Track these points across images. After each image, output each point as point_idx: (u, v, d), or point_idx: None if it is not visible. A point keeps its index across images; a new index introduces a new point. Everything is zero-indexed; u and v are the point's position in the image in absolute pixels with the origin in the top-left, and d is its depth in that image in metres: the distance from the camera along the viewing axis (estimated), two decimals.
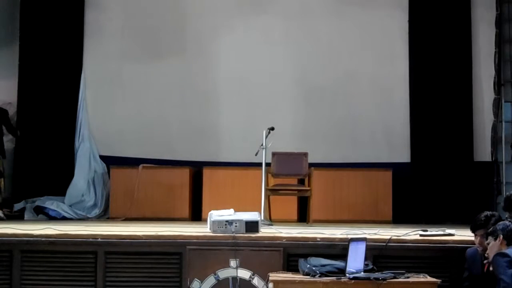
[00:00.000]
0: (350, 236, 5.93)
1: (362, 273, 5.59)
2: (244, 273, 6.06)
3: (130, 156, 10.21)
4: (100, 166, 10.26)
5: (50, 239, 6.22)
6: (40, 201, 9.71)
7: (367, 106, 10.21)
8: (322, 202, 9.44)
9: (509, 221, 5.38)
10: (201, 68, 10.37)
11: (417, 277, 5.62)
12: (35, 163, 10.01)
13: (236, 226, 6.17)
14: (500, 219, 5.58)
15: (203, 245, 6.14)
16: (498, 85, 9.89)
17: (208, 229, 6.31)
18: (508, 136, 9.86)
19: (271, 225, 7.74)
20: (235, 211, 6.44)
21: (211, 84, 10.37)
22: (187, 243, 6.15)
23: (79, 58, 10.37)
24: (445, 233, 6.31)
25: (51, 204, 9.64)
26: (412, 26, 10.19)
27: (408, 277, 5.58)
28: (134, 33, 10.42)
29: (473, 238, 5.77)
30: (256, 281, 6.05)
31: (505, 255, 5.10)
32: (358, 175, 9.81)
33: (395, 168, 9.83)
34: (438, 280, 5.61)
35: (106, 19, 10.45)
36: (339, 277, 5.50)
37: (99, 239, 6.21)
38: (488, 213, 5.64)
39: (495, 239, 5.25)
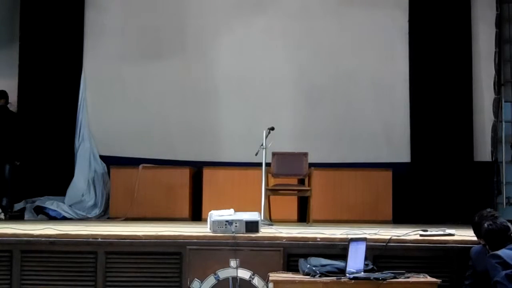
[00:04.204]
0: (350, 236, 5.92)
1: (362, 273, 5.59)
2: (244, 273, 6.06)
3: (130, 156, 10.21)
4: (100, 166, 10.26)
5: (50, 239, 6.22)
6: (40, 201, 9.71)
7: (367, 106, 10.21)
8: (322, 202, 9.44)
9: (492, 221, 5.38)
10: (201, 68, 10.37)
11: (417, 277, 5.62)
12: (35, 163, 10.00)
13: (236, 226, 6.17)
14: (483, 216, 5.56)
15: (203, 245, 6.14)
16: (498, 85, 9.89)
17: (208, 229, 6.31)
18: (508, 136, 9.87)
19: (271, 225, 7.74)
20: (235, 211, 6.44)
21: (211, 84, 10.37)
22: (187, 243, 6.15)
23: (79, 58, 10.37)
24: (445, 233, 6.31)
25: (51, 204, 9.65)
26: (412, 26, 10.19)
27: (408, 277, 5.58)
28: (134, 33, 10.42)
29: (473, 238, 5.78)
30: (256, 281, 6.05)
31: (496, 256, 5.10)
32: (358, 175, 9.81)
33: (395, 168, 9.83)
34: (438, 280, 5.62)
35: (106, 19, 10.45)
36: (339, 277, 5.50)
37: (99, 239, 6.20)
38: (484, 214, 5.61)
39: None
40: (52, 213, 9.57)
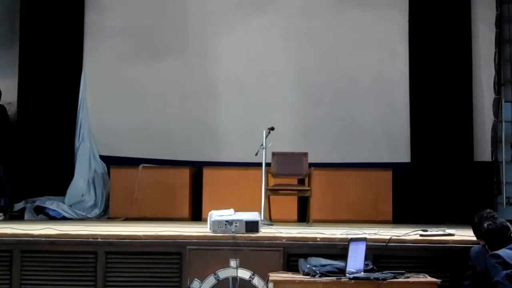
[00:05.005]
0: (350, 236, 5.93)
1: (362, 273, 5.60)
2: (244, 273, 6.06)
3: (130, 156, 10.21)
4: (100, 166, 10.25)
5: (50, 239, 6.23)
6: (40, 201, 9.71)
7: (367, 106, 10.21)
8: (322, 202, 9.44)
9: (492, 221, 5.38)
10: (201, 68, 10.36)
11: (417, 277, 5.63)
12: (35, 163, 10.00)
13: (236, 226, 6.17)
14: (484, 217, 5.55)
15: (203, 245, 6.15)
16: (498, 85, 9.89)
17: (208, 229, 6.32)
18: (508, 136, 9.86)
19: (271, 225, 7.74)
20: (235, 211, 6.45)
21: (211, 84, 10.36)
22: (187, 243, 6.15)
23: (79, 58, 10.36)
24: (445, 233, 6.31)
25: (51, 204, 9.64)
26: (412, 26, 10.19)
27: (408, 277, 5.59)
28: (134, 33, 10.41)
29: (473, 238, 5.78)
30: (256, 281, 6.05)
31: (497, 256, 5.11)
32: (358, 175, 9.81)
33: (395, 168, 9.83)
34: (438, 280, 5.62)
35: (106, 19, 10.45)
36: (339, 277, 5.51)
37: (99, 239, 6.21)
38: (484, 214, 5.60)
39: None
40: (52, 213, 9.56)
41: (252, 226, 6.23)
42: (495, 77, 9.88)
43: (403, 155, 10.10)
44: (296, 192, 9.08)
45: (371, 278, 5.48)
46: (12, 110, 10.08)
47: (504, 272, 5.00)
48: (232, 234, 6.12)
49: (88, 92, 10.38)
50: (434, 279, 5.62)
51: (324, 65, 10.31)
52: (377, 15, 10.29)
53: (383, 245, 6.05)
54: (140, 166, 9.84)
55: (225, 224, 6.19)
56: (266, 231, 6.48)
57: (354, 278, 5.47)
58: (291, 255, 6.08)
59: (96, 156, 10.29)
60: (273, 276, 5.76)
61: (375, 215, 9.54)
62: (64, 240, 6.22)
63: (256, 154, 8.43)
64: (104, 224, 8.68)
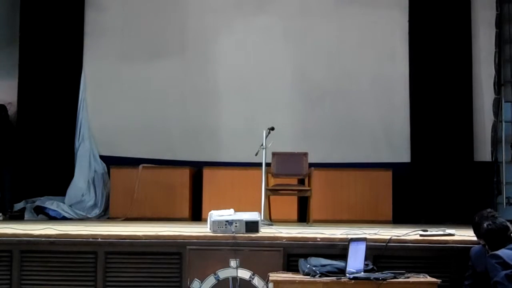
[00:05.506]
0: (350, 236, 5.92)
1: (362, 273, 5.59)
2: (244, 273, 6.06)
3: (130, 156, 10.21)
4: (100, 166, 10.26)
5: (50, 239, 6.22)
6: (40, 201, 9.71)
7: (367, 106, 10.21)
8: (322, 202, 9.44)
9: (492, 221, 5.38)
10: (201, 68, 10.37)
11: (417, 277, 5.62)
12: (35, 163, 10.00)
13: (236, 226, 6.17)
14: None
15: (203, 245, 6.14)
16: (498, 85, 9.89)
17: (208, 229, 6.31)
18: (508, 136, 9.86)
19: (271, 225, 7.74)
20: (235, 211, 6.44)
21: (211, 84, 10.37)
22: (187, 243, 6.15)
23: (79, 58, 10.37)
24: (445, 233, 6.31)
25: (51, 204, 9.65)
26: (412, 26, 10.20)
27: (408, 277, 5.58)
28: (134, 33, 10.42)
29: (473, 238, 5.78)
30: (256, 281, 6.05)
31: (496, 256, 5.10)
32: (358, 175, 9.81)
33: (395, 168, 9.83)
34: (438, 280, 5.62)
35: (106, 19, 10.45)
36: (339, 277, 5.50)
37: (99, 239, 6.20)
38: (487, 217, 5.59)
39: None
40: (52, 213, 9.57)
41: (252, 226, 6.22)
42: (495, 77, 9.89)
43: (403, 155, 10.10)
44: (296, 192, 9.08)
45: (371, 278, 5.48)
46: (12, 110, 10.09)
47: (504, 272, 4.99)
48: (232, 234, 6.11)
49: (88, 92, 10.39)
50: (434, 279, 5.62)
51: (324, 65, 10.32)
52: (377, 15, 10.29)
53: (383, 245, 6.05)
54: (140, 166, 9.84)
55: (225, 224, 6.19)
56: (266, 231, 6.48)
57: (354, 278, 5.47)
58: (291, 255, 6.07)
59: (96, 156, 10.30)
60: (273, 276, 5.76)
61: (375, 215, 9.54)
62: (64, 240, 6.21)
63: (256, 154, 8.43)
64: (104, 224, 8.68)
